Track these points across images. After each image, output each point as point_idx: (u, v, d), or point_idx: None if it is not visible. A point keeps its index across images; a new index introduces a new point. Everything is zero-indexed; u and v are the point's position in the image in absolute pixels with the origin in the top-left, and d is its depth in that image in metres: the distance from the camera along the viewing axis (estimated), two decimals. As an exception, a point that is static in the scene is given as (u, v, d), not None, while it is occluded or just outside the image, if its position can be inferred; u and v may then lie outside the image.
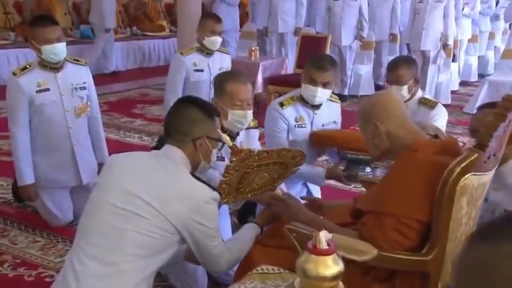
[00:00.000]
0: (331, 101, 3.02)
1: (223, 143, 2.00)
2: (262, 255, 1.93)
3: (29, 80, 2.93)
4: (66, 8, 9.16)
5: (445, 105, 7.03)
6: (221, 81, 2.51)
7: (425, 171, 1.63)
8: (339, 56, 7.00)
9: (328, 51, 6.31)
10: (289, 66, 6.65)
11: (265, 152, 2.03)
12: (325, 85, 2.82)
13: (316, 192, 3.07)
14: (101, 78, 7.00)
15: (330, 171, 2.85)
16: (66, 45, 3.03)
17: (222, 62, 4.02)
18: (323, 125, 2.97)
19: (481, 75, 8.77)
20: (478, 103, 6.47)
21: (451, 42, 6.75)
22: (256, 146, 2.71)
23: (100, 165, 3.33)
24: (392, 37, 7.72)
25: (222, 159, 2.50)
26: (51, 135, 3.06)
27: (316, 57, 2.96)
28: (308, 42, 6.32)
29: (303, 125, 2.92)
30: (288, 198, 2.15)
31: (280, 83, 5.95)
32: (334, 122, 3.04)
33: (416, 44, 6.65)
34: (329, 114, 3.00)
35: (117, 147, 4.33)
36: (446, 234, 1.58)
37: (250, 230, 2.09)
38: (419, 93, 3.11)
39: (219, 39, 3.90)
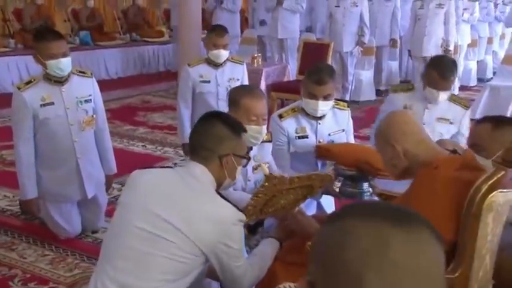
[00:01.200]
0: (339, 108, 2.96)
1: (248, 160, 1.99)
2: (283, 272, 1.91)
3: (33, 94, 2.90)
4: (65, 14, 9.14)
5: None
6: (236, 95, 2.48)
7: (448, 188, 1.62)
8: (340, 62, 7.01)
9: (330, 58, 6.32)
10: (292, 73, 6.65)
11: (297, 177, 1.99)
12: (326, 98, 2.77)
13: (330, 206, 2.99)
14: (101, 85, 6.98)
15: (327, 187, 2.75)
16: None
17: (233, 73, 3.96)
18: (329, 135, 2.92)
19: (480, 80, 8.81)
20: (480, 109, 6.49)
21: (452, 47, 6.76)
22: (269, 159, 2.70)
23: (108, 177, 3.34)
24: (393, 42, 7.74)
25: None
26: (56, 149, 3.03)
27: (313, 70, 2.82)
28: (310, 49, 6.32)
29: (305, 136, 2.88)
30: (298, 213, 2.12)
31: (283, 89, 5.95)
32: (343, 130, 2.97)
33: (417, 50, 6.66)
34: (336, 123, 2.95)
35: (121, 156, 4.30)
36: (472, 252, 1.57)
37: (270, 246, 2.05)
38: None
39: (222, 53, 3.83)
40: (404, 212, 0.73)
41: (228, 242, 1.72)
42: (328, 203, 2.95)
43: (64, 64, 2.91)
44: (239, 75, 3.97)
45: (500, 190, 1.55)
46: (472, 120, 6.12)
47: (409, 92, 3.12)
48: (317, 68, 2.83)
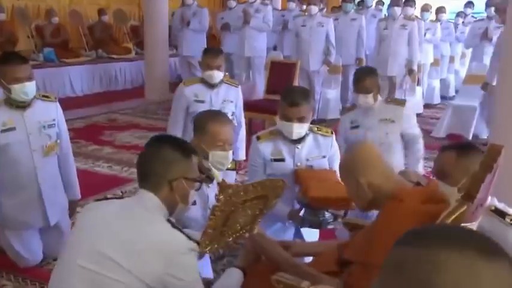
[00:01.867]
0: (321, 134, 2.93)
1: (201, 183, 1.91)
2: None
3: None
4: (28, 30, 8.95)
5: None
6: (202, 121, 2.47)
7: (415, 221, 1.63)
8: (307, 81, 7.08)
9: (297, 77, 6.37)
10: (259, 91, 6.66)
11: (251, 185, 1.97)
12: (300, 120, 2.76)
13: (312, 235, 2.94)
14: (66, 102, 6.85)
15: (291, 213, 2.74)
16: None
17: (227, 95, 3.95)
18: (307, 160, 2.89)
19: (443, 98, 9.03)
20: (444, 128, 6.65)
21: (415, 67, 6.92)
22: None
23: (71, 204, 3.25)
24: (359, 61, 7.86)
25: (193, 203, 2.44)
26: (17, 175, 2.94)
27: (286, 91, 2.83)
28: (278, 68, 6.35)
29: (281, 159, 2.86)
30: (258, 235, 2.11)
31: (251, 109, 5.93)
32: (323, 156, 2.92)
33: (383, 70, 6.76)
34: (316, 148, 2.92)
35: (86, 177, 4.21)
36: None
37: (233, 276, 1.98)
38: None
39: (216, 74, 3.83)
40: (492, 243, 0.75)
41: (177, 274, 1.61)
42: (311, 232, 2.91)
43: (29, 88, 2.84)
44: (233, 98, 3.97)
45: (462, 224, 1.56)
46: (436, 139, 6.30)
47: (354, 110, 3.63)
48: (291, 90, 2.85)
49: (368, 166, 1.78)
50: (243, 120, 4.12)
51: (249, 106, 5.99)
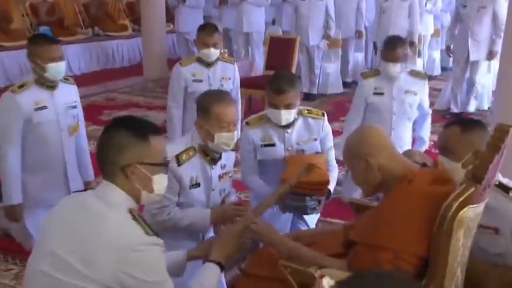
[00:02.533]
0: (312, 117, 2.89)
1: (167, 166, 1.69)
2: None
3: (27, 98, 2.91)
4: (23, 9, 8.82)
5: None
6: (206, 103, 2.41)
7: (423, 203, 1.62)
8: (307, 56, 7.00)
9: (296, 52, 6.30)
10: (258, 68, 6.60)
11: None
12: (287, 107, 2.73)
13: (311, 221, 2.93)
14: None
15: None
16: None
17: (224, 72, 3.90)
18: (298, 143, 2.85)
19: (444, 69, 8.95)
20: (446, 99, 6.61)
21: (416, 39, 6.83)
22: (232, 167, 2.65)
23: (86, 184, 3.33)
24: (359, 34, 7.76)
25: (197, 185, 2.42)
26: (46, 154, 3.02)
27: (273, 78, 2.77)
28: (277, 44, 6.28)
29: (271, 144, 2.83)
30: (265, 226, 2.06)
31: (250, 85, 5.88)
32: (315, 139, 2.89)
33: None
34: (307, 131, 2.88)
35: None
36: (444, 268, 1.57)
37: (211, 274, 1.77)
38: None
39: (212, 51, 3.76)
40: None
41: (132, 272, 1.45)
42: (311, 219, 2.89)
43: (62, 67, 2.98)
44: (230, 75, 3.92)
45: (470, 206, 1.55)
46: (438, 111, 6.29)
47: (377, 76, 3.69)
48: (277, 77, 2.77)
49: (378, 148, 1.76)
50: (239, 98, 4.07)
51: (248, 82, 5.94)
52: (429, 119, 3.86)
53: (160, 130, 1.68)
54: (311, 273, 1.65)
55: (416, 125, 3.81)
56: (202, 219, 2.39)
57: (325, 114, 2.95)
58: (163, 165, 1.66)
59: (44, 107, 2.95)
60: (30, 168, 3.01)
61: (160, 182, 1.64)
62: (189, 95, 3.80)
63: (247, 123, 2.86)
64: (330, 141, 2.96)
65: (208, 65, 3.82)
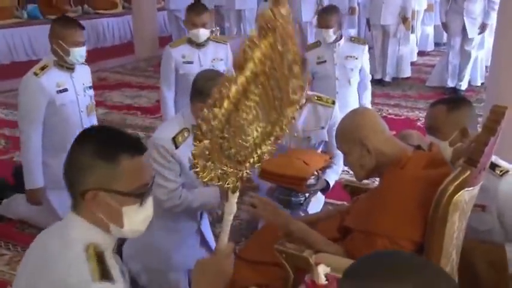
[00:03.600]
0: (321, 104, 2.86)
1: (142, 199, 1.33)
2: (250, 272, 1.88)
3: (49, 80, 2.95)
4: (10, -14, 8.64)
5: (405, 79, 7.11)
6: (204, 85, 2.33)
7: (416, 188, 1.61)
8: (299, 32, 6.92)
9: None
10: (251, 45, 6.52)
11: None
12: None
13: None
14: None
15: (268, 190, 2.69)
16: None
17: (216, 53, 3.81)
18: (304, 131, 2.86)
19: (437, 44, 8.89)
20: (439, 75, 6.58)
21: (409, 15, 6.76)
22: None
23: None
24: (351, 10, 7.67)
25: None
26: (67, 134, 2.97)
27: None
28: (269, 21, 6.18)
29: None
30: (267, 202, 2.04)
31: (243, 64, 5.83)
32: (322, 127, 2.89)
33: (376, 19, 6.63)
34: (313, 118, 2.87)
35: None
36: (440, 252, 1.57)
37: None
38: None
39: (202, 32, 3.68)
40: (425, 273, 0.83)
41: None
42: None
43: (84, 52, 3.03)
44: (223, 55, 3.82)
45: (466, 189, 1.54)
46: (432, 88, 6.25)
47: (319, 47, 4.06)
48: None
49: (374, 131, 1.74)
50: None
51: (241, 61, 5.88)
52: (369, 86, 4.21)
53: (143, 149, 1.35)
54: (306, 258, 1.65)
55: (359, 92, 4.13)
56: (213, 198, 2.37)
57: (336, 103, 2.93)
58: (137, 196, 1.31)
59: (65, 89, 3.00)
60: (52, 151, 3.02)
61: (132, 215, 1.32)
62: (180, 76, 3.74)
63: None
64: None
65: (199, 45, 3.74)
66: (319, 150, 2.99)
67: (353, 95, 4.08)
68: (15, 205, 3.27)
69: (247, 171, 1.29)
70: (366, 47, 4.08)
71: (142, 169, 1.34)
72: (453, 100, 2.10)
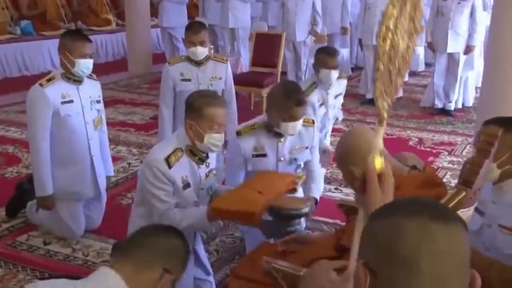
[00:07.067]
0: (303, 125, 2.86)
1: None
2: (245, 291, 1.88)
3: (54, 91, 3.01)
4: (3, 2, 8.65)
5: (397, 98, 7.18)
6: (198, 104, 2.40)
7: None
8: (293, 52, 7.00)
9: (282, 48, 6.29)
10: (245, 64, 6.58)
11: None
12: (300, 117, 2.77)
13: None
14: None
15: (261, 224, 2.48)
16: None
17: (215, 72, 3.78)
18: (291, 153, 2.89)
19: (428, 64, 9.01)
20: (431, 95, 6.65)
21: (401, 35, 6.86)
22: (215, 165, 2.67)
23: (107, 178, 3.44)
24: (344, 30, 7.79)
25: (188, 185, 2.43)
26: (73, 147, 3.14)
27: (290, 91, 2.74)
28: (262, 40, 6.26)
29: (263, 155, 2.83)
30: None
31: (237, 82, 5.77)
32: (306, 147, 2.93)
33: (368, 39, 6.72)
34: (299, 139, 2.90)
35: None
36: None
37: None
38: None
39: (200, 50, 3.66)
40: (444, 208, 0.93)
41: None
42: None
43: (90, 64, 3.10)
44: (222, 74, 3.80)
45: (461, 210, 1.57)
46: (424, 108, 6.31)
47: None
48: (295, 89, 2.78)
49: (363, 156, 1.75)
50: (234, 98, 3.96)
51: (235, 79, 5.87)
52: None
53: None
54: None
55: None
56: (200, 219, 2.35)
57: (315, 122, 3.01)
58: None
59: (71, 101, 3.06)
60: (59, 162, 3.11)
61: None
62: (177, 94, 3.74)
63: (238, 133, 2.82)
64: (317, 149, 3.05)
65: (198, 63, 3.74)
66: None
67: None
68: (35, 210, 3.36)
69: None
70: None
71: None
72: (508, 121, 1.98)
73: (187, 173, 2.43)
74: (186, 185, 2.42)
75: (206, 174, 2.53)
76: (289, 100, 2.69)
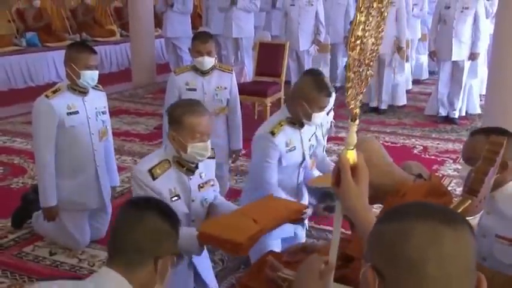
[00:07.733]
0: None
1: (179, 260, 1.67)
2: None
3: (60, 102, 3.04)
4: (9, 15, 8.74)
5: (401, 107, 7.18)
6: (177, 114, 2.37)
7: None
8: (296, 61, 7.03)
9: (286, 58, 6.31)
10: (248, 73, 6.60)
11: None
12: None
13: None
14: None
15: (315, 210, 2.87)
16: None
17: (220, 81, 3.78)
18: (309, 140, 3.07)
19: (432, 73, 9.02)
20: (435, 103, 6.66)
21: (404, 45, 6.88)
22: (213, 176, 2.62)
23: (112, 188, 3.46)
24: (347, 39, 7.79)
25: (177, 197, 2.39)
26: (78, 157, 3.16)
27: (320, 82, 2.85)
28: (266, 49, 6.28)
29: (293, 148, 2.95)
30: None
31: (241, 91, 5.84)
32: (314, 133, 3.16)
33: (371, 48, 6.73)
34: (308, 127, 3.07)
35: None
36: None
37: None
38: None
39: (207, 59, 3.67)
40: (452, 213, 0.94)
41: None
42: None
43: (96, 76, 3.13)
44: (227, 84, 3.79)
45: (466, 218, 1.56)
46: (428, 116, 6.31)
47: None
48: (322, 80, 2.88)
49: (370, 166, 1.75)
50: (239, 108, 3.95)
51: (239, 89, 5.92)
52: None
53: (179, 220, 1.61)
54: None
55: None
56: (188, 240, 2.21)
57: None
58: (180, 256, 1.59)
59: (76, 112, 3.09)
60: (64, 173, 3.14)
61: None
62: None
63: (272, 133, 2.86)
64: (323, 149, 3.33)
65: (204, 73, 3.74)
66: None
67: None
68: (40, 221, 3.36)
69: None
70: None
71: None
72: (493, 131, 1.99)
73: (175, 184, 2.40)
74: (175, 197, 2.39)
75: (200, 185, 2.49)
76: (322, 92, 2.83)
